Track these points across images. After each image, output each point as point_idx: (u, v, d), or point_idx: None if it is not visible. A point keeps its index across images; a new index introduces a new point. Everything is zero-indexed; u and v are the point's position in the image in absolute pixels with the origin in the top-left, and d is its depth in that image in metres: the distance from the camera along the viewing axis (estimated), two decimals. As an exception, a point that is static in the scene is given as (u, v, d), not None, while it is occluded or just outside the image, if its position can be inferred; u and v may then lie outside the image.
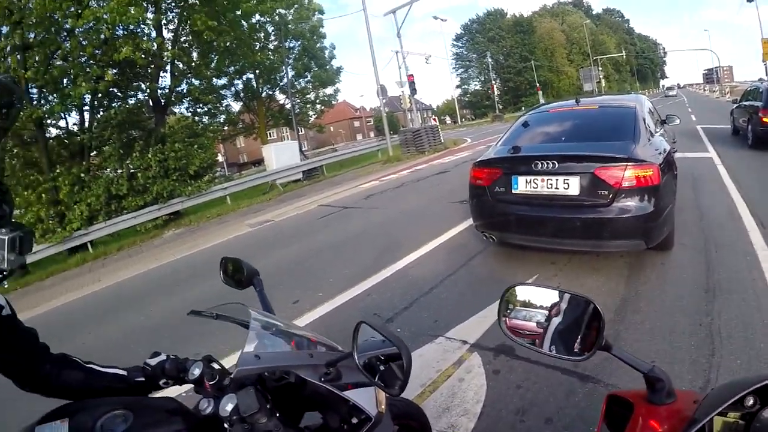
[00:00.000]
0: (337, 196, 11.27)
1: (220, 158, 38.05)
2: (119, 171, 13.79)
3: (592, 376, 2.60)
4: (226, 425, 1.03)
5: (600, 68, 66.55)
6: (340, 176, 16.53)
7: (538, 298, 1.04)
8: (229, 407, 1.02)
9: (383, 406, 1.29)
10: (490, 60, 60.75)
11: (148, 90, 15.81)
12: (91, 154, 14.98)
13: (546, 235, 4.06)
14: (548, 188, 3.94)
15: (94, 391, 1.19)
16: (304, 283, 5.07)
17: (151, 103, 16.42)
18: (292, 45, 26.70)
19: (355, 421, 1.24)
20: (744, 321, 3.06)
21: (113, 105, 15.33)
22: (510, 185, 4.16)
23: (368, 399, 1.24)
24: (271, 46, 25.38)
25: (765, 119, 9.82)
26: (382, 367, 1.14)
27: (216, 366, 1.21)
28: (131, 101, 16.27)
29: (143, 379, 1.28)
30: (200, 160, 14.37)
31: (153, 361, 1.29)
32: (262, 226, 9.31)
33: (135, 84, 16.05)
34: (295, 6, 24.14)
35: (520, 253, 4.73)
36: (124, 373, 1.27)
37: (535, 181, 4.00)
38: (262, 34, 24.56)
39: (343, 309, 4.19)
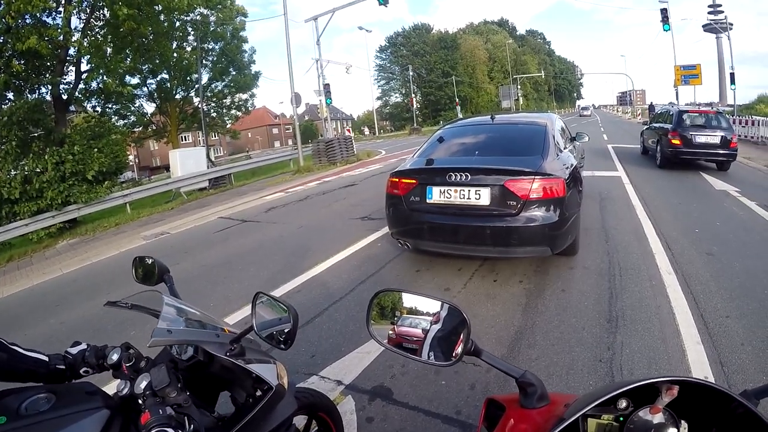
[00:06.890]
0: (240, 207, 11.02)
1: (131, 161, 36.05)
2: (13, 173, 12.45)
3: (475, 425, 2.30)
4: (140, 401, 1.09)
5: (519, 87, 70.02)
6: (247, 186, 16.12)
7: (423, 305, 1.11)
8: (143, 384, 1.10)
9: (284, 380, 1.46)
10: (412, 73, 61.87)
11: (50, 85, 14.41)
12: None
13: (458, 242, 4.32)
14: (461, 198, 4.21)
15: (14, 373, 1.21)
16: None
17: (50, 100, 14.94)
18: (211, 47, 25.98)
19: (258, 393, 1.39)
20: (648, 355, 2.93)
21: (10, 98, 14.01)
22: (425, 195, 4.41)
23: (269, 372, 1.41)
24: (188, 48, 24.56)
25: (674, 141, 10.51)
26: (281, 338, 1.35)
27: (132, 351, 1.30)
28: (32, 96, 14.65)
29: (63, 367, 1.30)
30: (99, 164, 13.21)
31: (74, 350, 1.34)
32: (157, 239, 8.87)
33: (38, 77, 14.61)
34: (219, 6, 23.38)
35: (413, 279, 4.73)
36: (46, 358, 1.28)
37: (449, 191, 4.26)
38: (181, 33, 23.70)
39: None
